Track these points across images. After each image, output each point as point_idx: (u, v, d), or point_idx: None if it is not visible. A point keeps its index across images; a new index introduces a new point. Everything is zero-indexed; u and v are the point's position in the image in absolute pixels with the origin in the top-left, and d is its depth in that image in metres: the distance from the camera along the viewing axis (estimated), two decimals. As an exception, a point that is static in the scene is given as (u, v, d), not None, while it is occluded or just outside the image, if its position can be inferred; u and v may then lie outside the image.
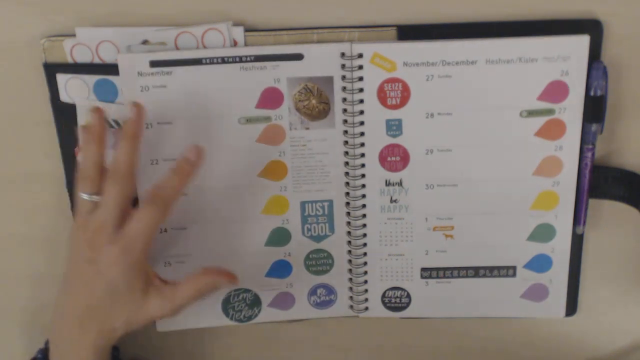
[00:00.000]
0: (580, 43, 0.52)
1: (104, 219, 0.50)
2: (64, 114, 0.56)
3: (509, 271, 0.59)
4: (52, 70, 0.55)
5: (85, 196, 0.51)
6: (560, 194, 0.56)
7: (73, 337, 0.52)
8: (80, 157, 0.53)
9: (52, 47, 0.55)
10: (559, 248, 0.58)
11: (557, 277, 0.59)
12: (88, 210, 0.51)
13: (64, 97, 0.56)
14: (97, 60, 0.55)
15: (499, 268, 0.59)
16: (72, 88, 0.56)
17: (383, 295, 0.61)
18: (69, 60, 0.55)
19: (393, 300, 0.61)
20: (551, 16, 0.53)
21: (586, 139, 0.55)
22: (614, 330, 0.63)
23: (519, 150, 0.55)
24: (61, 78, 0.55)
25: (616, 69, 0.54)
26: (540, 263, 0.59)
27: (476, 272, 0.60)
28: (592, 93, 0.53)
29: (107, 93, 0.56)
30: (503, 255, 0.59)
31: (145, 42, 0.54)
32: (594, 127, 0.54)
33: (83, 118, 0.56)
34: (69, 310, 0.52)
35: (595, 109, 0.54)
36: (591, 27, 0.53)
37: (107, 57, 0.55)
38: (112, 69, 0.54)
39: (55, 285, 0.61)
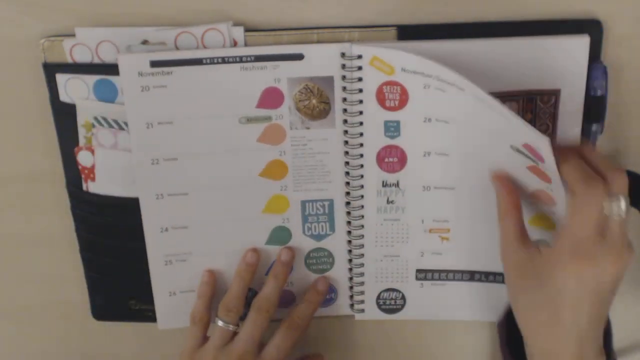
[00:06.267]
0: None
1: (246, 347, 0.55)
2: (64, 114, 0.56)
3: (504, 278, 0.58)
4: (51, 70, 0.55)
5: (221, 323, 0.56)
6: (554, 195, 0.53)
7: None
8: (233, 284, 0.58)
9: (51, 47, 0.55)
10: None
11: None
12: (222, 340, 0.56)
13: (63, 97, 0.56)
14: (97, 60, 0.55)
15: (494, 274, 0.59)
16: (72, 88, 0.56)
17: (378, 297, 0.61)
18: (69, 60, 0.55)
19: (388, 302, 0.61)
20: (551, 16, 0.53)
21: (586, 139, 0.55)
22: (613, 330, 0.63)
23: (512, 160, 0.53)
24: (61, 78, 0.55)
25: (616, 69, 0.54)
26: None
27: (472, 276, 0.59)
28: (592, 93, 0.53)
29: (107, 93, 0.56)
30: (499, 262, 0.56)
31: (145, 42, 0.54)
32: (594, 127, 0.54)
33: (82, 118, 0.56)
34: None
35: (595, 109, 0.54)
36: (591, 27, 0.53)
37: (107, 57, 0.55)
38: (112, 69, 0.54)
39: (56, 284, 0.61)
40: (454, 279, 0.59)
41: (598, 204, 0.45)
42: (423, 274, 0.60)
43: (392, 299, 0.61)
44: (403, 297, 0.61)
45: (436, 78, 0.52)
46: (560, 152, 0.46)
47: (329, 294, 0.62)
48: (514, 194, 0.51)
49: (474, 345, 0.65)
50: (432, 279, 0.60)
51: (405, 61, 0.52)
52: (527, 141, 0.48)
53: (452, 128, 0.54)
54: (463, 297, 0.60)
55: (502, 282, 0.58)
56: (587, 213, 0.46)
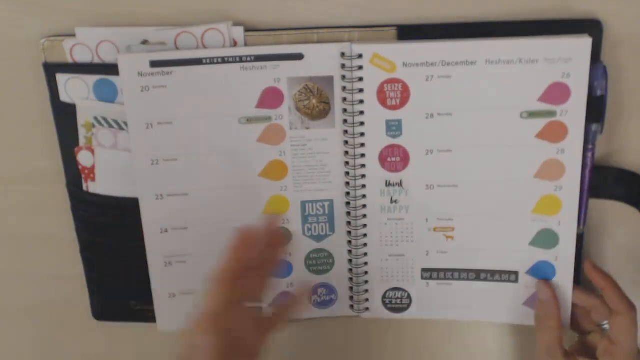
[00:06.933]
0: (582, 45, 0.51)
1: None
2: (64, 114, 0.56)
3: (510, 276, 0.58)
4: (52, 70, 0.55)
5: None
6: (563, 199, 0.55)
7: None
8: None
9: (52, 47, 0.55)
10: (563, 256, 0.56)
11: (561, 288, 0.57)
12: None
13: (64, 97, 0.56)
14: (97, 60, 0.55)
15: (500, 272, 0.58)
16: (72, 88, 0.56)
17: (384, 296, 0.61)
18: (69, 60, 0.55)
19: (394, 301, 0.61)
20: (551, 16, 0.53)
21: (586, 139, 0.54)
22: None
23: (520, 152, 0.55)
24: (61, 78, 0.55)
25: (616, 69, 0.54)
26: (543, 271, 0.57)
27: (477, 275, 0.59)
28: (592, 93, 0.53)
29: (107, 93, 0.56)
30: (505, 260, 0.58)
31: (145, 42, 0.54)
32: (594, 127, 0.54)
33: (82, 118, 0.56)
34: None
35: (595, 109, 0.53)
36: (591, 27, 0.53)
37: (107, 57, 0.55)
38: (112, 69, 0.54)
39: (56, 284, 0.61)
40: (459, 279, 0.59)
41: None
42: (429, 273, 0.60)
43: (397, 298, 0.61)
44: (409, 297, 0.61)
45: (441, 64, 0.52)
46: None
47: (329, 295, 0.62)
48: (558, 302, 0.56)
49: (482, 342, 0.65)
50: (438, 278, 0.60)
51: (407, 54, 0.53)
52: (552, 79, 0.52)
53: (456, 119, 0.54)
54: (470, 296, 0.60)
55: (508, 281, 0.58)
56: (634, 328, 0.52)
